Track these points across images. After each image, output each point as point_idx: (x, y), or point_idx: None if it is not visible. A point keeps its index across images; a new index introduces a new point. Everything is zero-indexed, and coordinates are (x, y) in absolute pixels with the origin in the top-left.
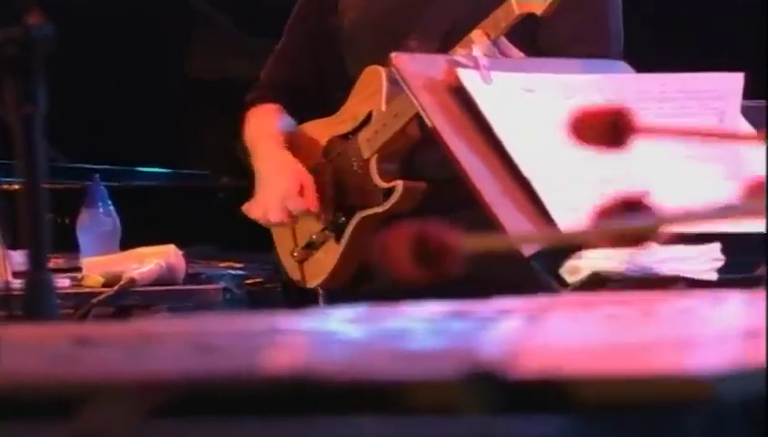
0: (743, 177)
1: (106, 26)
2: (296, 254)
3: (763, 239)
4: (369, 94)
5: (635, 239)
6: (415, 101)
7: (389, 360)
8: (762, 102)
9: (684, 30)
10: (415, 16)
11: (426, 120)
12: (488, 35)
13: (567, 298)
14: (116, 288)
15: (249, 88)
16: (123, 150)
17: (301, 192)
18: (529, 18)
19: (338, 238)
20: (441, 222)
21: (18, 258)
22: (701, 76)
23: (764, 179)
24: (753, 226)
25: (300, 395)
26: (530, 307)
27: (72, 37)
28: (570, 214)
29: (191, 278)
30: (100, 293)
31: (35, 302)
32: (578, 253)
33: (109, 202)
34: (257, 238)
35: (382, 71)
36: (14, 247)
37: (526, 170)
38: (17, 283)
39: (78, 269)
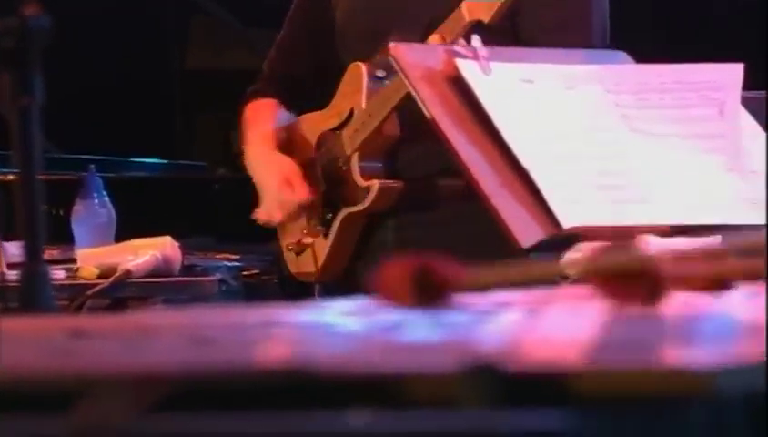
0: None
1: (103, 17)
2: (291, 247)
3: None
4: (351, 91)
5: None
6: (413, 92)
7: (387, 353)
8: (762, 93)
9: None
10: (397, 12)
11: (424, 111)
12: (443, 39)
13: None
14: (111, 279)
15: (247, 79)
16: (118, 141)
17: (291, 186)
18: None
19: (326, 234)
20: (442, 255)
21: (13, 249)
22: (701, 67)
23: None
24: (754, 217)
25: (297, 388)
26: (530, 299)
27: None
28: (570, 206)
29: (187, 269)
30: (95, 285)
31: (30, 294)
32: (577, 245)
33: (104, 193)
34: (254, 230)
35: (363, 68)
36: (8, 238)
37: (525, 162)
38: (13, 275)
39: (73, 261)
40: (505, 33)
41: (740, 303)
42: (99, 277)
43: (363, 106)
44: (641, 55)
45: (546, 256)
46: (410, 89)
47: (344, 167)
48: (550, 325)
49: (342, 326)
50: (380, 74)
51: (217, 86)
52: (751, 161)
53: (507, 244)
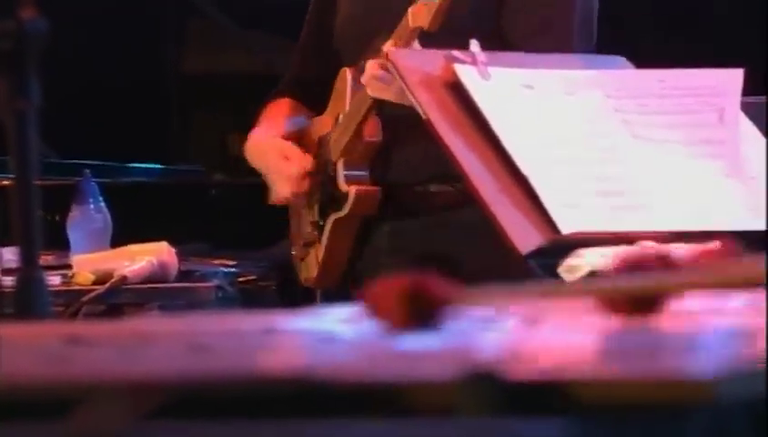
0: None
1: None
2: (295, 252)
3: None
4: (340, 96)
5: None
6: (411, 97)
7: (386, 361)
8: (761, 98)
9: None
10: (390, 18)
11: (423, 116)
12: (395, 45)
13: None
14: (107, 285)
15: (244, 82)
16: (114, 146)
17: (289, 159)
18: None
19: (320, 239)
20: (436, 273)
21: (9, 255)
22: (701, 73)
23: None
24: (754, 223)
25: (294, 397)
26: (530, 307)
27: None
28: (569, 211)
29: (183, 275)
30: (91, 291)
31: (26, 300)
32: (576, 252)
33: (100, 199)
34: (251, 236)
35: (348, 73)
36: (4, 243)
37: (524, 167)
38: (8, 280)
39: (69, 267)
40: (491, 39)
41: (741, 309)
42: (95, 283)
43: (346, 111)
44: (642, 58)
45: (544, 262)
46: (409, 94)
47: (331, 173)
48: (550, 333)
49: (340, 333)
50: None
51: (214, 89)
52: (750, 167)
53: (502, 249)
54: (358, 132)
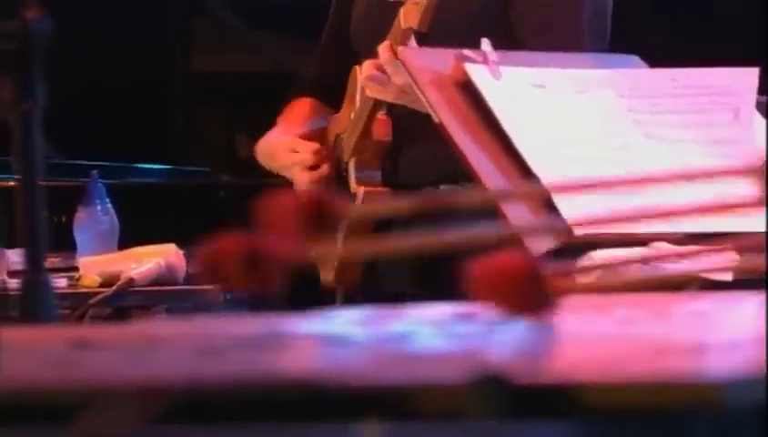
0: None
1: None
2: (313, 251)
3: None
4: (352, 95)
5: None
6: (422, 96)
7: (394, 364)
8: (762, 97)
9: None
10: (393, 16)
11: (433, 116)
12: (392, 46)
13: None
14: (114, 288)
15: (252, 83)
16: (121, 146)
17: (295, 150)
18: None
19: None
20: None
21: (14, 257)
22: (715, 72)
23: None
24: None
25: (303, 400)
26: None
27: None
28: (580, 212)
29: (191, 278)
30: (98, 293)
31: (32, 303)
32: (589, 253)
33: (107, 200)
34: None
35: (358, 71)
36: (9, 245)
37: (536, 168)
38: (14, 283)
39: (75, 269)
40: (501, 38)
41: (754, 312)
42: (102, 285)
43: (356, 109)
44: (656, 57)
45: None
46: (419, 94)
47: (344, 173)
48: (559, 336)
49: (349, 336)
50: None
51: (222, 89)
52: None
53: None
54: (366, 131)
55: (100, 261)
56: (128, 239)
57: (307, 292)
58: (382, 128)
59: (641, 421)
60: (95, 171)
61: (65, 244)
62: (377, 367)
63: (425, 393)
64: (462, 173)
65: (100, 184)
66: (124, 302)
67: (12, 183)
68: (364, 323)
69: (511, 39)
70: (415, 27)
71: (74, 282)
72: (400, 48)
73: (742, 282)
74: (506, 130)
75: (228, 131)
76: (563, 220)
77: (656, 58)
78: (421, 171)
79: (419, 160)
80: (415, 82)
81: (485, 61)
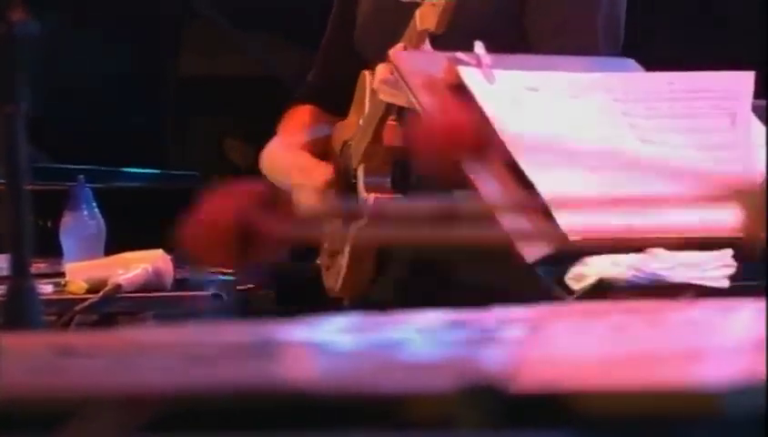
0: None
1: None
2: (320, 261)
3: None
4: (360, 99)
5: None
6: (414, 100)
7: (385, 372)
8: (762, 101)
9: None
10: (401, 20)
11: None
12: (405, 48)
13: (571, 306)
14: (100, 294)
15: (242, 85)
16: (108, 150)
17: (305, 171)
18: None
19: (343, 248)
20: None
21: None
22: (711, 75)
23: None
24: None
25: (293, 408)
26: (533, 316)
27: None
28: (576, 218)
29: (179, 283)
30: (84, 300)
31: (17, 310)
32: (584, 259)
33: (94, 204)
34: None
35: (367, 76)
36: None
37: (530, 173)
38: None
39: (61, 275)
40: (512, 40)
41: (751, 319)
42: (88, 291)
43: (365, 115)
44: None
45: (552, 270)
46: (411, 98)
47: (353, 180)
48: (553, 343)
49: (340, 343)
50: None
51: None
52: (763, 172)
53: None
54: (376, 137)
55: (87, 267)
56: (115, 245)
57: (311, 297)
58: (393, 134)
59: (637, 429)
60: (81, 175)
61: (52, 249)
62: (366, 375)
63: (418, 402)
64: None
65: (87, 188)
66: (111, 309)
67: None
68: (355, 331)
69: (526, 41)
70: (432, 29)
71: (60, 288)
72: (391, 51)
73: (741, 288)
74: (499, 134)
75: (218, 135)
76: (558, 227)
77: (660, 63)
78: (431, 177)
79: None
80: (407, 86)
81: (478, 64)
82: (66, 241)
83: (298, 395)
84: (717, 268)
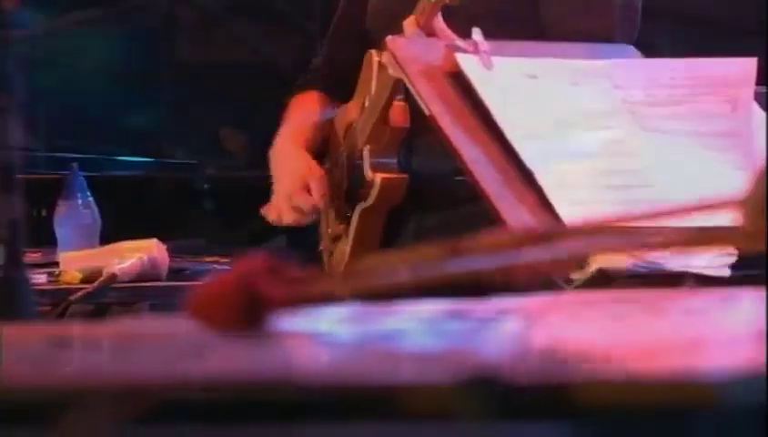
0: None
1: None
2: (322, 246)
3: None
4: (366, 80)
5: None
6: (412, 88)
7: (382, 363)
8: (763, 88)
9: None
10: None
11: (423, 108)
12: (417, 22)
13: (570, 296)
14: (95, 284)
15: (236, 73)
16: (103, 138)
17: (306, 191)
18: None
19: (347, 233)
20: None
21: None
22: (712, 62)
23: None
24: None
25: (288, 400)
26: (532, 306)
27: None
28: (575, 207)
29: (175, 273)
30: (78, 290)
31: (10, 300)
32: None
33: (88, 193)
34: (245, 232)
35: (374, 56)
36: None
37: (528, 161)
38: None
39: (55, 265)
40: (526, 21)
41: (752, 309)
42: (83, 281)
43: (372, 95)
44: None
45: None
46: (408, 85)
47: (359, 162)
48: (552, 334)
49: (337, 334)
50: None
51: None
52: (764, 159)
53: None
54: (383, 117)
55: (81, 257)
56: (110, 234)
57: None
58: (399, 114)
59: (637, 420)
60: (75, 164)
61: (46, 239)
62: (363, 366)
63: (414, 393)
64: None
65: (81, 177)
66: (106, 299)
67: None
68: (352, 321)
69: (539, 22)
70: (446, 1)
71: (54, 278)
72: (389, 38)
73: (741, 278)
74: (498, 122)
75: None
76: (557, 215)
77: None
78: (437, 159)
79: (435, 148)
80: (405, 73)
81: (476, 51)
82: (61, 231)
83: (295, 386)
84: (717, 257)
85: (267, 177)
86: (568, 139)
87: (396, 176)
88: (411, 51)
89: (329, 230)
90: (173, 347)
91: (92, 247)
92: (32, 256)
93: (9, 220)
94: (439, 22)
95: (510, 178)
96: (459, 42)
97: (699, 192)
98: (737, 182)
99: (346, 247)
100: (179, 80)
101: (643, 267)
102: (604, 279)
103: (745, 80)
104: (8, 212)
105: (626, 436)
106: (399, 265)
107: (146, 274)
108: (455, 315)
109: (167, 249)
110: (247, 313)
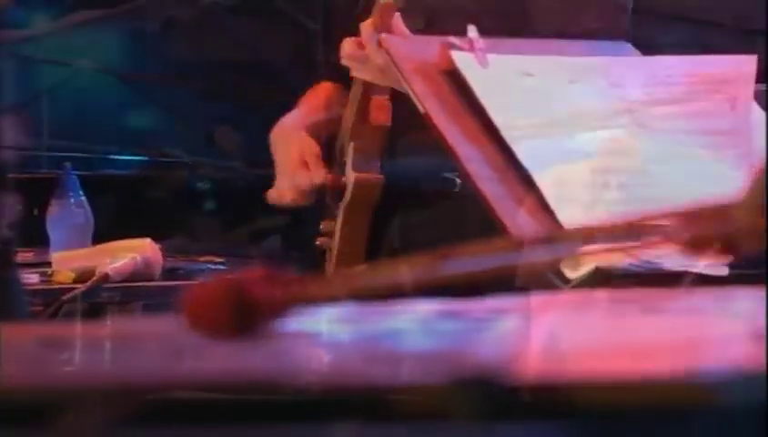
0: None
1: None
2: (318, 242)
3: None
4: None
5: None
6: (406, 86)
7: (378, 363)
8: (762, 86)
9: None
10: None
11: (418, 106)
12: (375, 25)
13: (567, 296)
14: (88, 284)
15: (231, 69)
16: (96, 137)
17: (306, 168)
18: None
19: (334, 231)
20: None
21: None
22: (711, 59)
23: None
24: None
25: (282, 400)
26: (528, 306)
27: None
28: (572, 205)
29: (168, 273)
30: (71, 289)
31: (2, 300)
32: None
33: (81, 193)
34: (239, 232)
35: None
36: None
37: (524, 159)
38: None
39: (48, 265)
40: (511, 14)
41: (750, 308)
42: (75, 281)
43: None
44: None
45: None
46: (404, 83)
47: (344, 159)
48: (548, 333)
49: (331, 334)
50: None
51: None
52: (763, 158)
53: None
54: (361, 115)
55: (74, 256)
56: (103, 234)
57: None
58: (380, 112)
59: (634, 421)
60: (68, 163)
61: (38, 239)
62: (358, 366)
63: (409, 394)
64: None
65: (74, 176)
66: (98, 299)
67: None
68: (349, 321)
69: (528, 18)
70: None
71: (46, 278)
72: (383, 36)
73: (740, 277)
74: (494, 120)
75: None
76: (554, 214)
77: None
78: (424, 156)
79: (417, 147)
80: (399, 71)
81: (471, 48)
82: (53, 230)
83: (287, 388)
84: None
85: (264, 177)
86: (565, 138)
87: (370, 175)
88: (406, 48)
89: (321, 227)
90: (169, 347)
91: (85, 246)
92: (24, 256)
93: (1, 221)
94: (398, 22)
95: (507, 177)
96: (455, 39)
97: (698, 191)
98: (736, 181)
99: (334, 244)
100: (174, 76)
101: (642, 266)
102: (602, 279)
103: (745, 78)
104: (0, 212)
105: (624, 436)
106: (396, 269)
107: (140, 274)
108: (450, 315)
109: (161, 249)
110: (241, 319)
